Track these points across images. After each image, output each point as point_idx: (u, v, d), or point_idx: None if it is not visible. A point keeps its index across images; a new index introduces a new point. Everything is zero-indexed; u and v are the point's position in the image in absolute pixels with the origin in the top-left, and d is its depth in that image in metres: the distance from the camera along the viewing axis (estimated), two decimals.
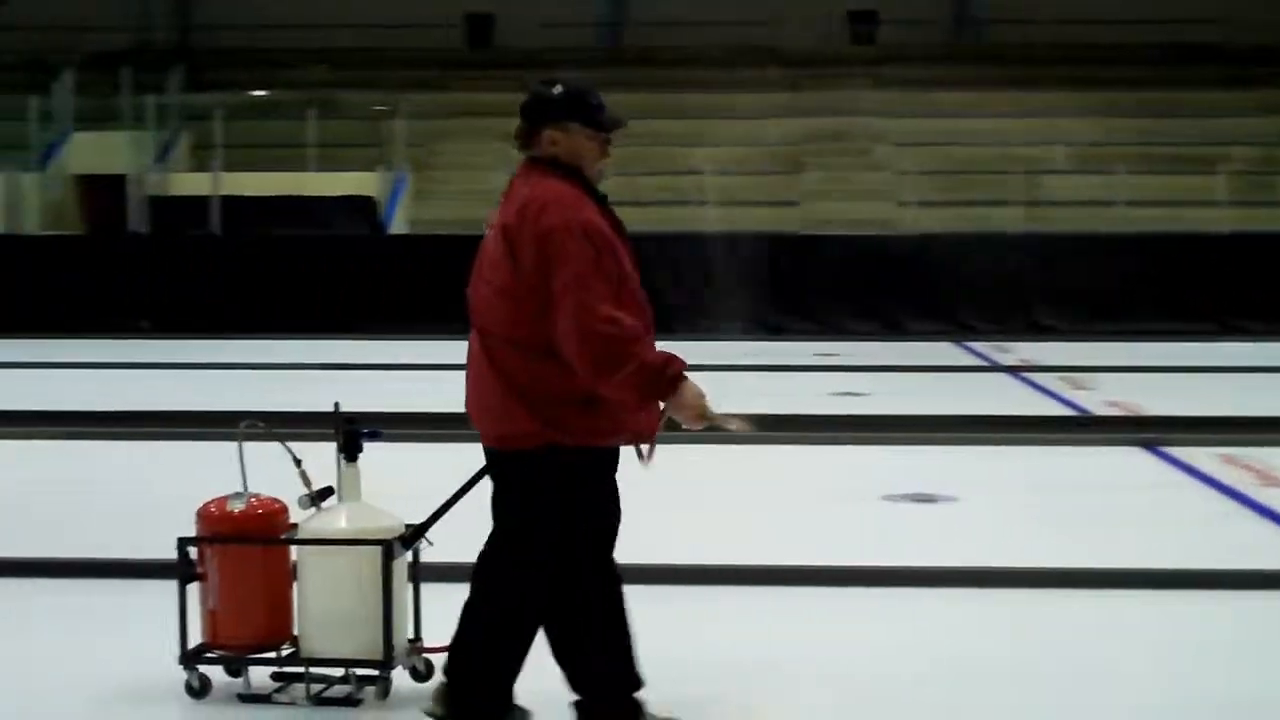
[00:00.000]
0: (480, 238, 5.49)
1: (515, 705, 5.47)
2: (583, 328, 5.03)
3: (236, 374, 17.75)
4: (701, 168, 27.54)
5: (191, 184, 26.75)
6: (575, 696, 5.43)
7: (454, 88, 31.38)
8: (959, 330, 22.59)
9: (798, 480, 11.19)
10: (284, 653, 5.86)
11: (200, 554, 5.86)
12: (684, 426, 5.21)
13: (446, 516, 5.71)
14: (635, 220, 21.60)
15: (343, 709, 5.78)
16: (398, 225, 26.68)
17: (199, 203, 25.31)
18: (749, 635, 7.06)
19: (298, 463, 5.91)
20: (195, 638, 5.89)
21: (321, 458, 6.00)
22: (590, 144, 5.34)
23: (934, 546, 8.83)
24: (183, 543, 5.88)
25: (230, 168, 25.91)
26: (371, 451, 5.90)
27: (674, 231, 24.76)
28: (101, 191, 26.83)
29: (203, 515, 5.93)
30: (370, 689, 5.83)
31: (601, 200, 5.33)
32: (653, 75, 30.77)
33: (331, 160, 27.37)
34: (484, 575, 5.36)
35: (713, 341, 21.15)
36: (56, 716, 5.92)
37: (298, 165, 27.15)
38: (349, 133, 28.86)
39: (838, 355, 19.64)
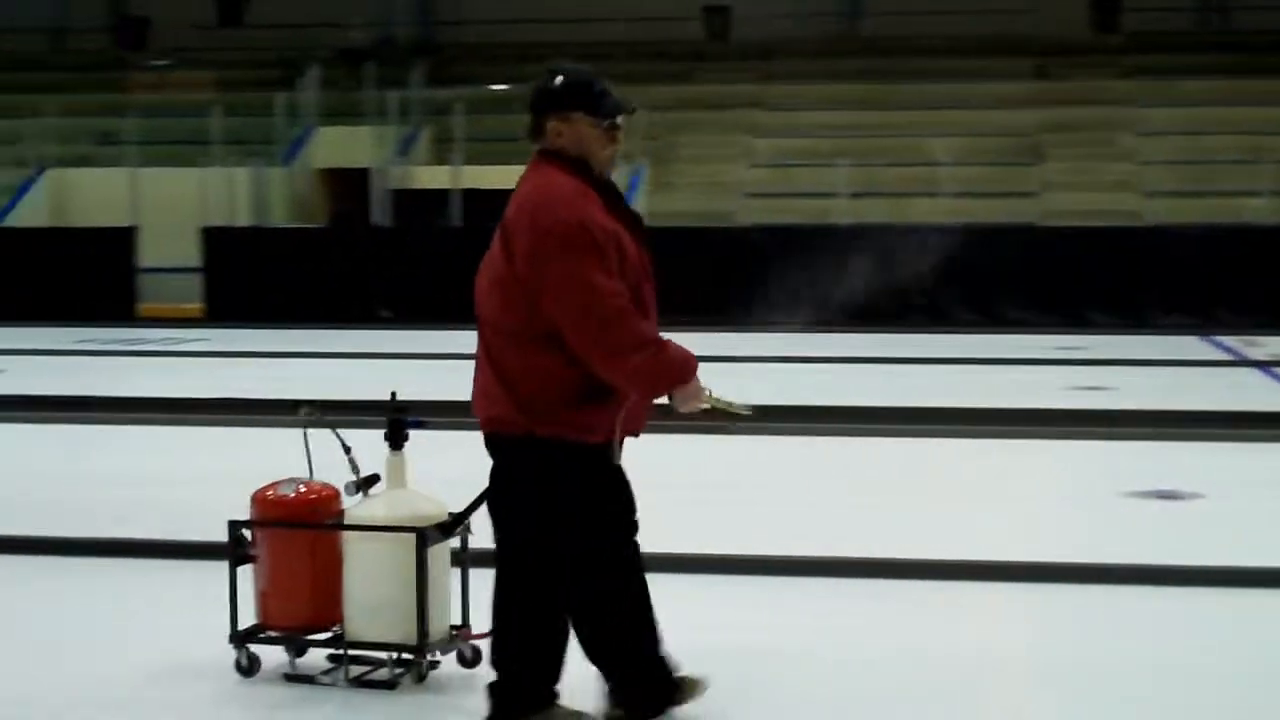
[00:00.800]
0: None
1: (556, 703, 5.44)
2: (597, 313, 5.04)
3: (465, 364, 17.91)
4: (939, 158, 27.21)
5: (432, 177, 27.09)
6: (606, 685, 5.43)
7: (692, 80, 31.39)
8: (1207, 324, 22.00)
9: (1040, 476, 11.00)
10: (329, 636, 5.93)
11: (253, 537, 5.98)
12: (681, 411, 5.24)
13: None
14: (872, 211, 21.58)
15: (380, 692, 5.82)
16: None
17: (440, 195, 25.63)
18: (1010, 631, 7.01)
19: (347, 450, 5.97)
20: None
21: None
22: (594, 132, 5.28)
23: (1177, 544, 8.59)
24: (233, 525, 6.00)
25: (470, 161, 26.17)
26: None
27: (910, 223, 24.50)
28: (345, 184, 27.33)
29: (255, 500, 6.03)
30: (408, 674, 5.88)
31: (610, 192, 5.30)
32: (890, 65, 30.47)
33: None
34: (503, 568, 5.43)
35: (949, 334, 20.90)
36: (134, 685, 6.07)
37: None
38: None
39: (1081, 349, 19.24)
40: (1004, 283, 23.05)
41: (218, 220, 25.47)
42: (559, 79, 5.36)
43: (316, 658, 6.05)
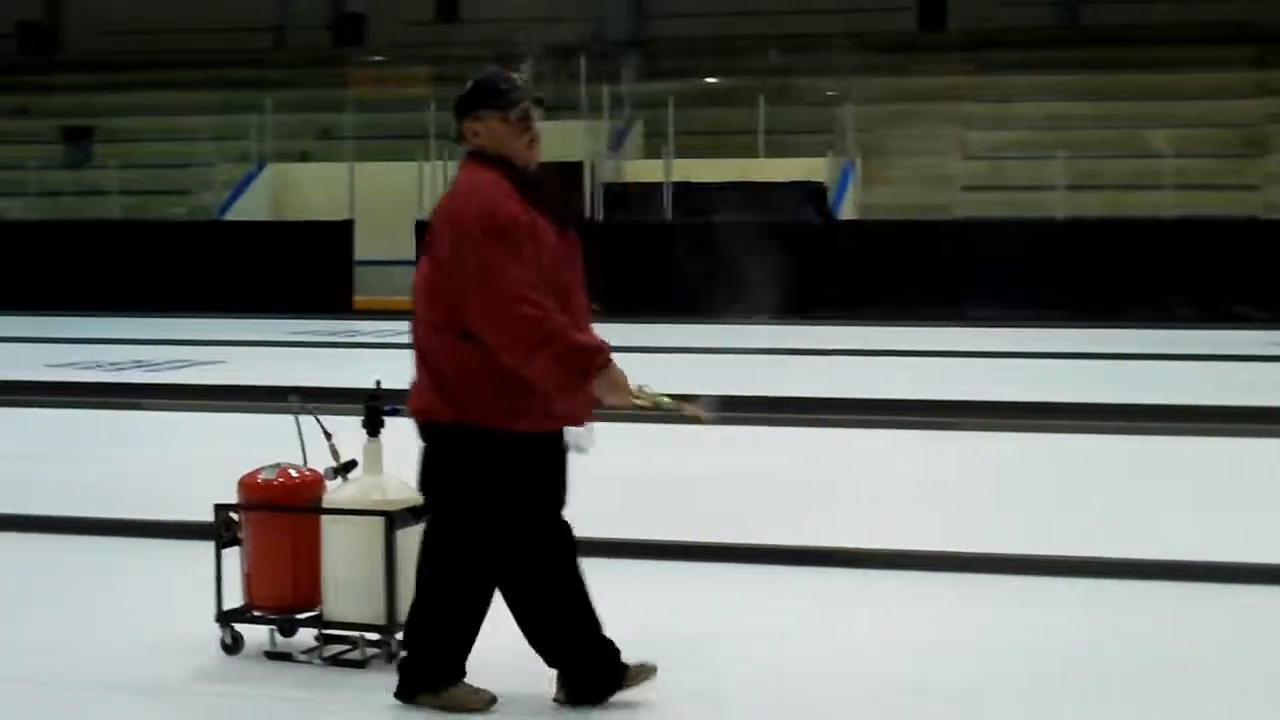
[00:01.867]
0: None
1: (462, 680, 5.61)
2: (502, 310, 5.23)
3: (688, 357, 17.91)
4: (1161, 150, 26.65)
5: (644, 171, 27.17)
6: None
7: (906, 72, 31.09)
8: None
9: (1262, 475, 10.72)
10: (309, 616, 6.12)
11: (240, 520, 6.21)
12: (609, 405, 5.36)
13: None
14: (1091, 205, 21.10)
15: (352, 671, 6.01)
16: (847, 211, 26.57)
17: (652, 189, 25.67)
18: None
19: (328, 436, 6.17)
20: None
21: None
22: (505, 127, 5.50)
23: None
24: (218, 509, 6.24)
25: (682, 155, 26.20)
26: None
27: (1131, 216, 24.05)
28: (558, 179, 27.48)
29: (241, 484, 6.23)
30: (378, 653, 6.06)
31: (532, 185, 5.48)
32: (1111, 54, 29.91)
33: (781, 146, 27.43)
34: (422, 548, 5.62)
35: (1168, 330, 20.47)
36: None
37: (748, 152, 27.30)
38: (799, 118, 28.88)
39: None
40: (1225, 277, 22.50)
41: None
42: (468, 84, 5.60)
43: (304, 637, 6.23)
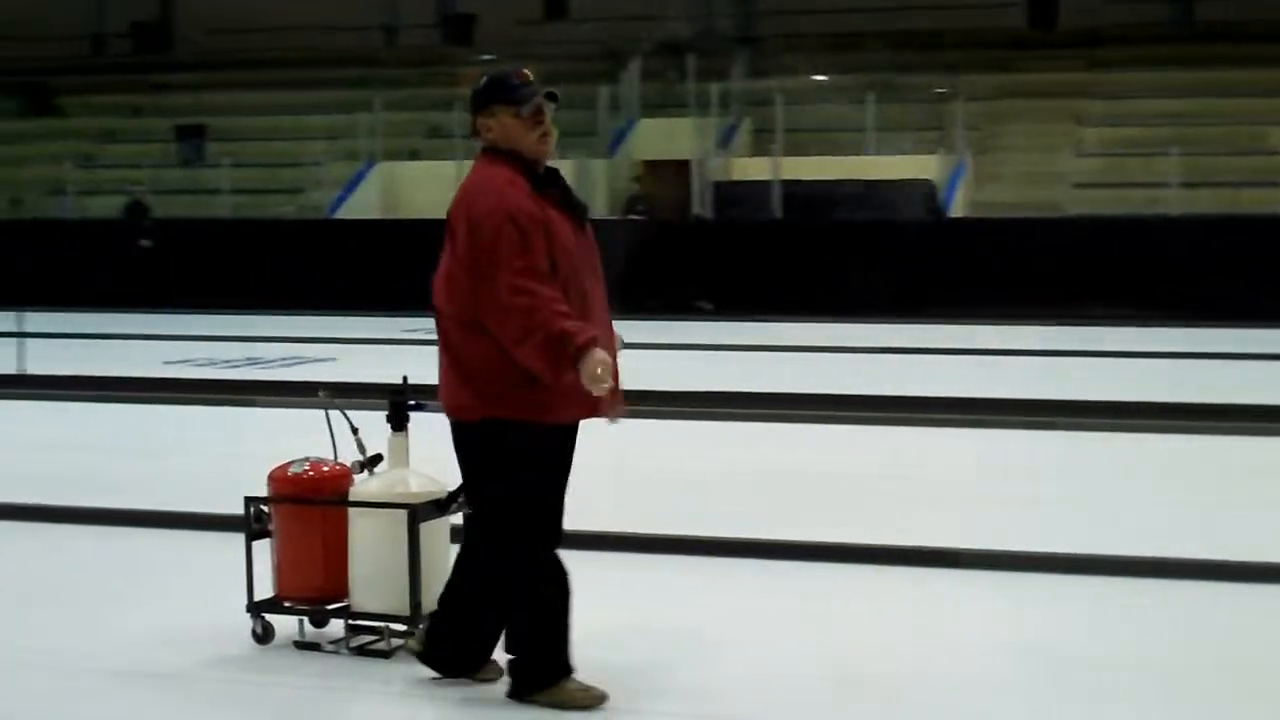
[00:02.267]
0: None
1: (491, 662, 5.81)
2: (498, 302, 5.35)
3: (794, 356, 17.85)
4: (1277, 147, 26.27)
5: (753, 169, 27.08)
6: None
7: (1016, 68, 30.81)
8: None
9: None
10: (335, 608, 6.24)
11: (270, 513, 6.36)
12: (591, 390, 5.37)
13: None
14: (1206, 203, 20.65)
15: (378, 661, 6.14)
16: (958, 209, 26.38)
17: (760, 187, 25.59)
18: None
19: (354, 430, 6.35)
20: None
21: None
22: (516, 122, 5.63)
23: None
24: (248, 502, 6.37)
25: (790, 152, 26.10)
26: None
27: (1247, 213, 23.70)
28: (667, 176, 27.47)
29: (271, 477, 6.37)
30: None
31: (545, 181, 5.60)
32: (1225, 50, 29.49)
33: (891, 143, 27.27)
34: (463, 544, 5.77)
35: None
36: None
37: (857, 149, 27.17)
38: (909, 116, 28.70)
39: None
40: None
41: None
42: (483, 80, 5.75)
43: (334, 627, 6.35)
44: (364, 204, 28.28)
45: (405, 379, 6.25)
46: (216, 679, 6.12)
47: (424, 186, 26.99)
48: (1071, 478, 10.61)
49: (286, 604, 6.33)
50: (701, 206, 26.12)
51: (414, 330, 20.88)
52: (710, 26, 34.25)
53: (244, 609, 6.37)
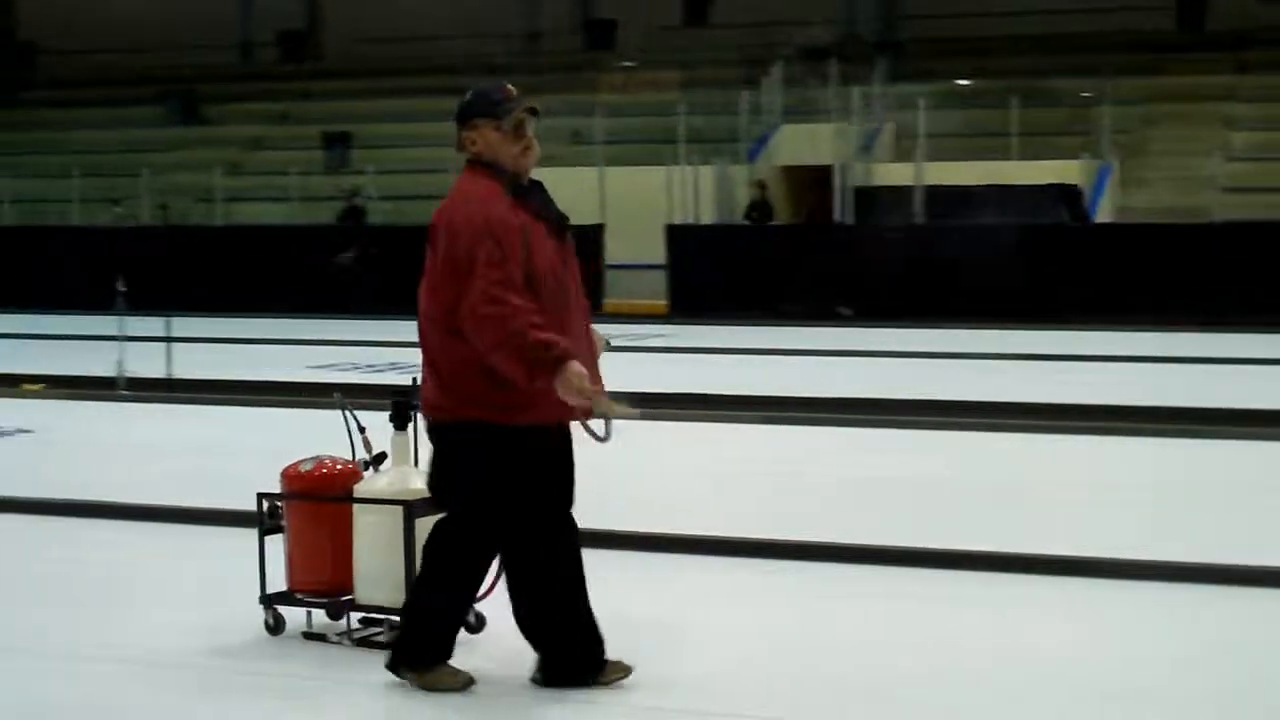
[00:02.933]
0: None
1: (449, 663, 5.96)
2: (473, 309, 5.54)
3: (932, 363, 17.73)
4: None
5: (895, 174, 26.93)
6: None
7: (1164, 71, 30.38)
8: None
9: None
10: (341, 601, 6.51)
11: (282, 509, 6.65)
12: (567, 401, 5.56)
13: None
14: None
15: (378, 652, 6.28)
16: (1103, 213, 26.06)
17: (902, 192, 25.44)
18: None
19: (361, 430, 6.59)
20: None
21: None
22: (499, 136, 5.82)
23: None
24: (259, 498, 6.68)
25: (933, 157, 25.91)
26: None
27: None
28: (809, 182, 27.37)
29: (283, 475, 6.64)
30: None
31: (526, 193, 5.80)
32: None
33: (1035, 148, 27.00)
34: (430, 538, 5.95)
35: None
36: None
37: (1001, 153, 26.92)
38: (1053, 120, 28.40)
39: None
40: None
41: (682, 217, 25.82)
42: (468, 94, 5.96)
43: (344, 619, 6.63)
44: None
45: (415, 380, 6.29)
46: (219, 668, 6.38)
47: (566, 192, 27.01)
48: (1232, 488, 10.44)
49: (298, 596, 6.60)
50: (842, 212, 25.99)
51: None
52: (852, 31, 34.13)
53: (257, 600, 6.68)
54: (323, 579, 6.51)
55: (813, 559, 8.17)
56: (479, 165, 5.83)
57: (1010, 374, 16.69)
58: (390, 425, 6.47)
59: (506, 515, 5.77)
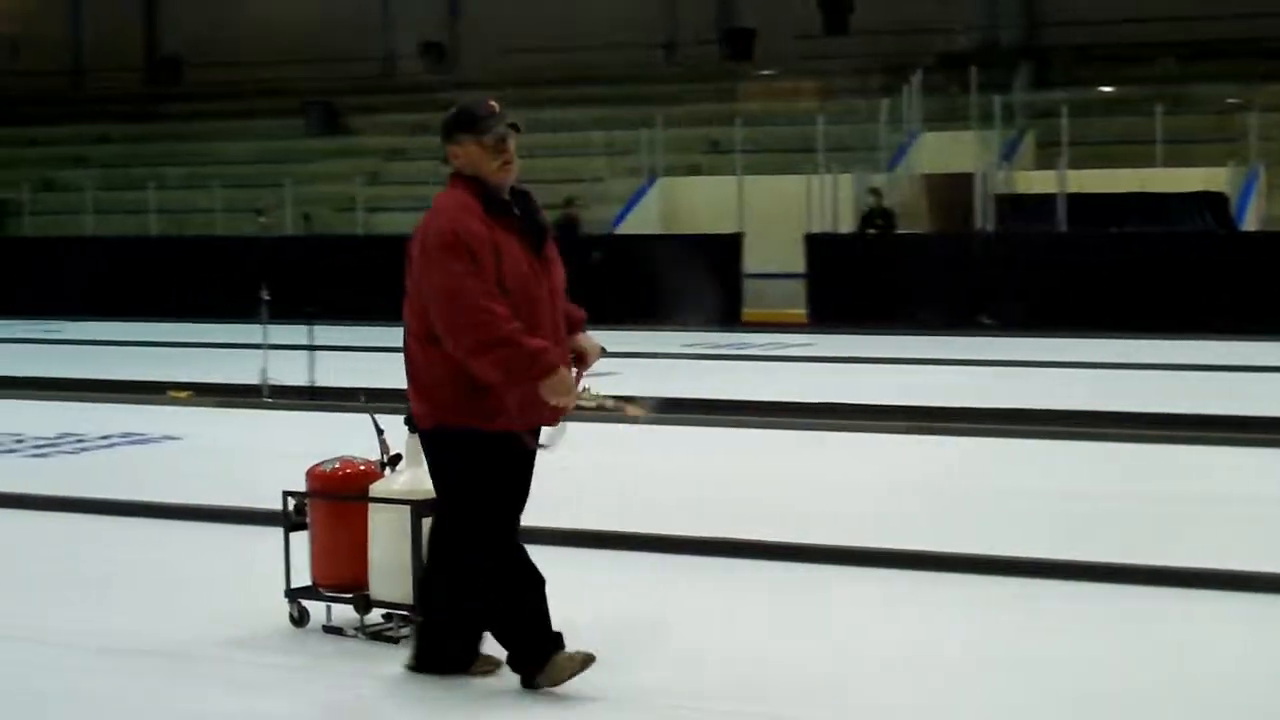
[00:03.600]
0: None
1: (479, 654, 6.24)
2: (454, 315, 5.77)
3: (1075, 372, 17.51)
4: None
5: (1037, 182, 26.66)
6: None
7: None
8: None
9: None
10: (357, 595, 6.76)
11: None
12: (554, 404, 5.87)
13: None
14: None
15: (387, 645, 6.67)
16: (1250, 221, 25.63)
17: (1045, 200, 25.17)
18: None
19: (380, 432, 6.85)
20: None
21: None
22: (480, 150, 6.01)
23: None
24: (284, 495, 7.02)
25: (1075, 164, 25.61)
26: None
27: None
28: (949, 190, 27.16)
29: (308, 474, 6.98)
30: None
31: (501, 206, 5.98)
32: None
33: (1180, 156, 26.62)
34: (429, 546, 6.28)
35: None
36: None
37: (1144, 161, 26.56)
38: (1198, 126, 27.98)
39: None
40: None
41: (822, 227, 25.70)
42: (453, 110, 6.15)
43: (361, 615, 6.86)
44: (645, 219, 28.45)
45: None
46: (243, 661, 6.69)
47: (704, 201, 27.09)
48: None
49: (320, 590, 6.89)
50: (984, 220, 25.75)
51: (694, 345, 21.01)
52: (994, 38, 33.83)
53: (282, 594, 6.99)
54: (343, 574, 6.79)
55: (965, 570, 8.08)
56: (460, 179, 6.05)
57: (1154, 384, 16.46)
58: (405, 428, 6.59)
59: (477, 514, 6.00)
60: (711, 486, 10.65)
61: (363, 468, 6.91)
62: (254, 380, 15.32)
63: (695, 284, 25.08)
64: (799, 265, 25.07)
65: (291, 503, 7.05)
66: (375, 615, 6.80)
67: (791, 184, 26.50)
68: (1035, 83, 29.77)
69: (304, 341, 15.61)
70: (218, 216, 30.95)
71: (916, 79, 28.74)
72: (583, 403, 6.08)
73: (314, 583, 6.93)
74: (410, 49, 38.84)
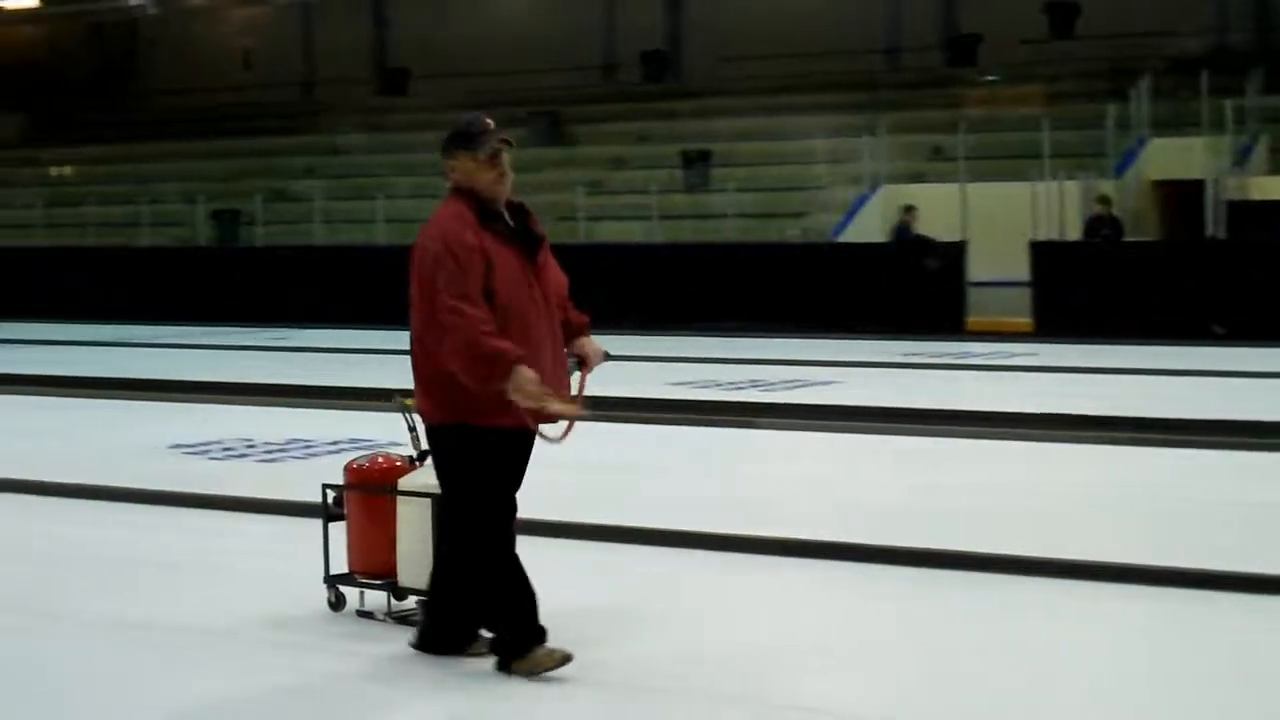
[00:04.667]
0: None
1: (478, 636, 6.59)
2: (436, 320, 6.16)
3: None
4: None
5: (1271, 188, 26.02)
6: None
7: None
8: None
9: None
10: (385, 582, 7.26)
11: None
12: (520, 403, 6.12)
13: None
14: None
15: (410, 628, 6.97)
16: None
17: (1277, 208, 24.56)
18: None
19: (411, 429, 7.17)
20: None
21: None
22: (474, 165, 6.39)
23: None
24: (324, 489, 7.53)
25: None
26: None
27: None
28: (1179, 197, 26.61)
29: (346, 469, 7.50)
30: None
31: (494, 217, 6.34)
32: None
33: None
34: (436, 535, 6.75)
35: None
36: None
37: None
38: None
39: None
40: None
41: (1047, 234, 25.33)
42: (450, 129, 6.52)
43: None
44: (867, 227, 28.27)
45: None
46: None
47: (928, 209, 26.81)
48: None
49: (356, 577, 7.35)
50: (1215, 227, 25.17)
51: (916, 354, 20.81)
52: (1225, 41, 33.07)
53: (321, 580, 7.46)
54: (376, 562, 7.24)
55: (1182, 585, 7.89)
56: (457, 192, 6.41)
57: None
58: None
59: (475, 504, 6.34)
60: (948, 497, 10.55)
61: (397, 463, 7.34)
62: None
63: (918, 292, 24.92)
64: (1024, 273, 24.71)
65: (331, 495, 7.50)
66: (409, 601, 7.22)
67: (1016, 191, 26.14)
68: (1268, 87, 29.01)
69: None
70: None
71: (1145, 83, 28.17)
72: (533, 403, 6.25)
73: (350, 570, 7.38)
74: (632, 58, 39.04)
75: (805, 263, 26.83)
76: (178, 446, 13.22)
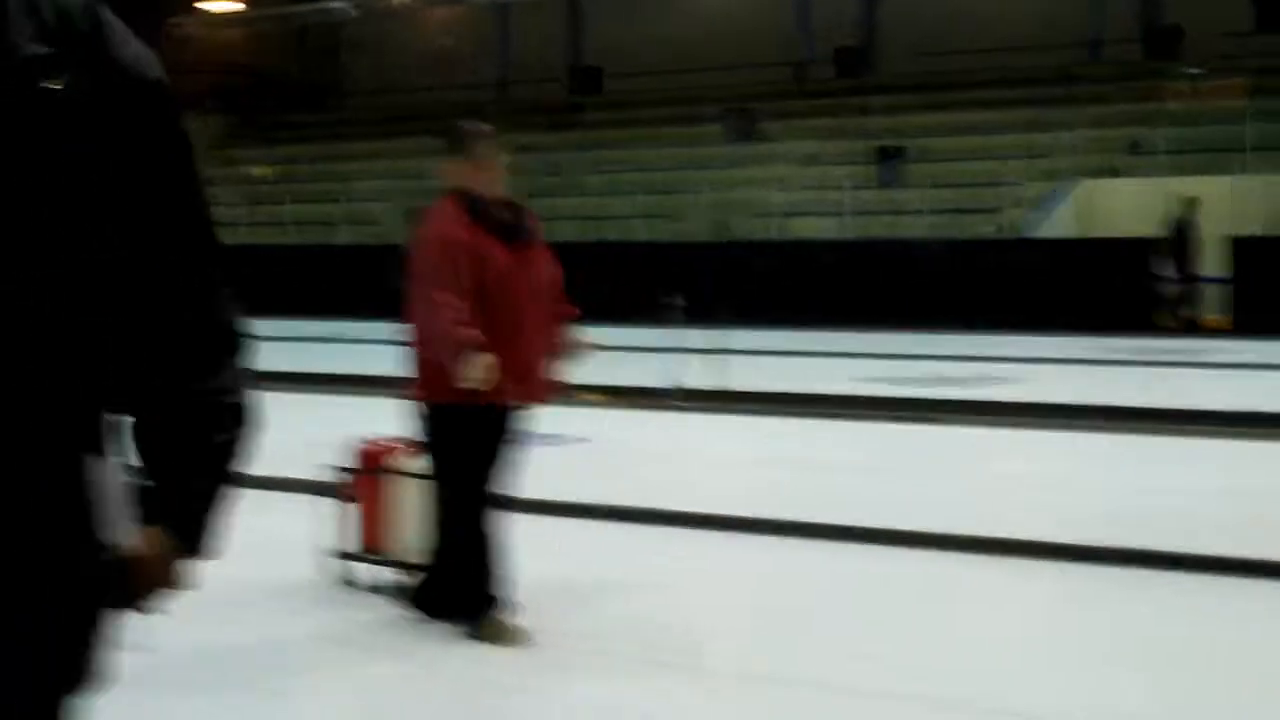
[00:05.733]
0: None
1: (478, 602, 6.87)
2: (421, 309, 6.65)
3: None
4: None
5: None
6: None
7: None
8: None
9: None
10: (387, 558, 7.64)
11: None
12: (464, 385, 6.48)
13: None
14: None
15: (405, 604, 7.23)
16: None
17: None
18: None
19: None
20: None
21: None
22: (464, 168, 6.84)
23: None
24: (334, 469, 7.85)
25: None
26: None
27: None
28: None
29: (356, 451, 7.83)
30: None
31: (485, 215, 6.74)
32: None
33: None
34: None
35: None
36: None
37: None
38: None
39: None
40: None
41: (1250, 229, 24.78)
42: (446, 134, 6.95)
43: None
44: (1062, 222, 27.88)
45: None
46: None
47: (1124, 204, 26.40)
48: None
49: (366, 554, 7.71)
50: None
51: (1107, 351, 20.49)
52: None
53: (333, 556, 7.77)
54: (379, 539, 7.65)
55: None
56: (451, 192, 6.82)
57: None
58: None
59: (456, 476, 6.78)
60: (1123, 496, 10.39)
61: (385, 448, 7.73)
62: (663, 384, 15.52)
63: (1112, 288, 24.54)
64: (1224, 268, 24.22)
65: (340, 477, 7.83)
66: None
67: (1217, 185, 25.61)
68: None
69: (710, 345, 15.76)
70: (636, 222, 31.50)
71: None
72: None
73: (361, 547, 7.75)
74: (825, 54, 38.87)
75: (998, 258, 26.53)
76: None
